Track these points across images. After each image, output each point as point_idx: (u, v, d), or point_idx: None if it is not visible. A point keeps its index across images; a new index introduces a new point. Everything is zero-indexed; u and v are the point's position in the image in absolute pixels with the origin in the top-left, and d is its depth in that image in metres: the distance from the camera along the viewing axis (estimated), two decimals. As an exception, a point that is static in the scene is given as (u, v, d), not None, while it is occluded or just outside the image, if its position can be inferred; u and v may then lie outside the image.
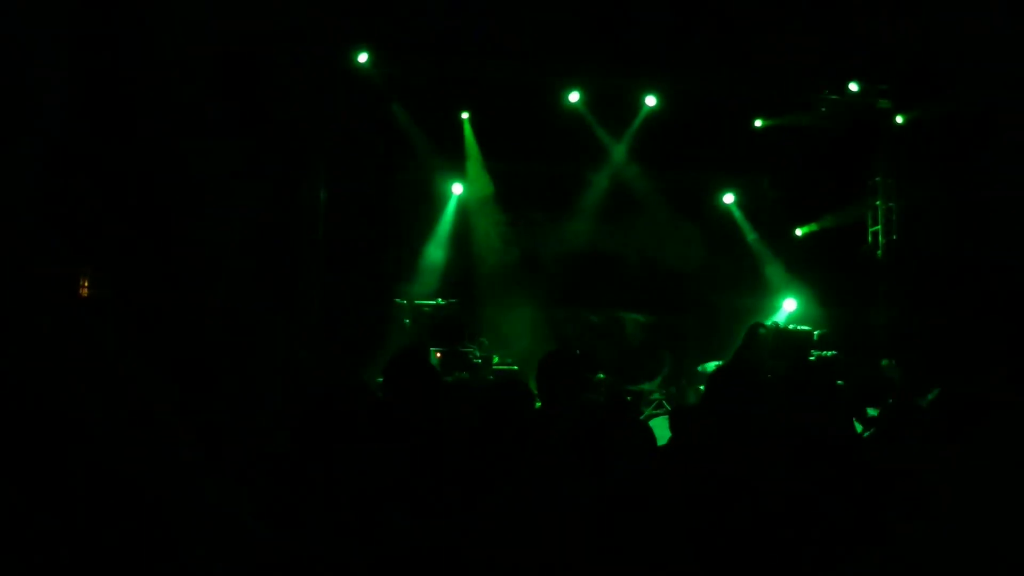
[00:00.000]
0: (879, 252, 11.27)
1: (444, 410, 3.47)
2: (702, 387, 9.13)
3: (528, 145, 11.02)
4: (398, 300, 10.73)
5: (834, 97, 11.06)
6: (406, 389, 3.54)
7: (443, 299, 10.83)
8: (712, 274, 11.93)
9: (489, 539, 2.48)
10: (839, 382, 8.67)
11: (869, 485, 2.82)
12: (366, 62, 10.13)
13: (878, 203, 11.30)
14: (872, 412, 8.56)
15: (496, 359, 10.38)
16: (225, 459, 2.83)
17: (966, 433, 3.14)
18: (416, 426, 3.23)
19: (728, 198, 12.31)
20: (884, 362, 9.11)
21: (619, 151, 11.59)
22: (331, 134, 10.26)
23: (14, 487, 2.09)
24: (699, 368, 9.73)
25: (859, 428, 5.38)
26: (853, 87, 10.72)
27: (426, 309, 10.55)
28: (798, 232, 12.14)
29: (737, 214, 12.32)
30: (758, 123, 11.45)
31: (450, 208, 11.69)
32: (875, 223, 11.35)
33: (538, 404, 3.97)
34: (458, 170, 11.60)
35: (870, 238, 11.45)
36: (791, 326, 10.58)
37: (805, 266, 11.67)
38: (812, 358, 9.91)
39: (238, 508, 2.28)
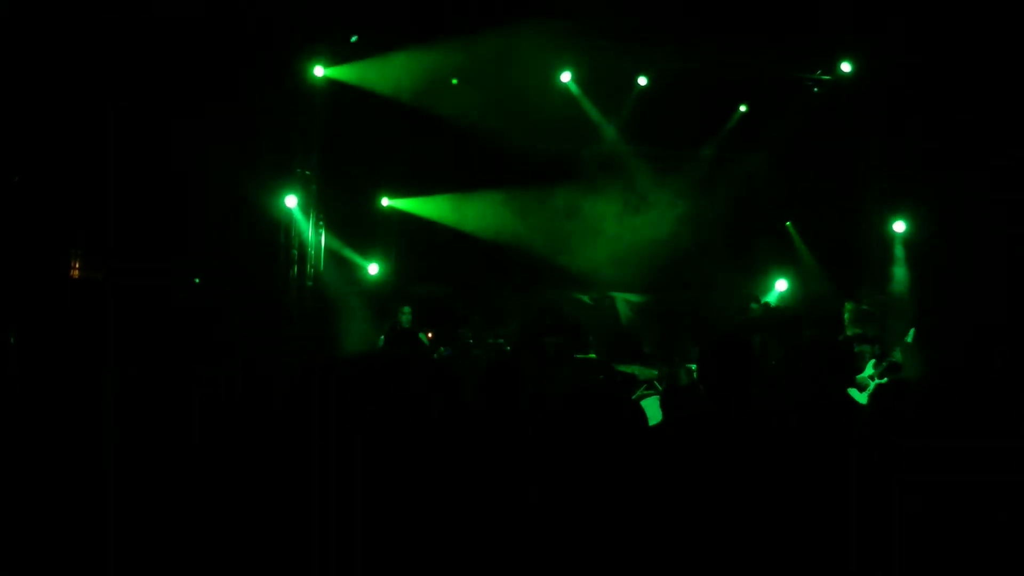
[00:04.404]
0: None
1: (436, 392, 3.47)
2: (694, 367, 9.15)
3: (520, 123, 10.99)
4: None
5: (827, 78, 11.05)
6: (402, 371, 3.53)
7: (436, 282, 10.88)
8: (704, 254, 11.94)
9: (483, 524, 2.49)
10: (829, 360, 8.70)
11: (867, 460, 2.84)
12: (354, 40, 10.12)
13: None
14: (859, 379, 8.69)
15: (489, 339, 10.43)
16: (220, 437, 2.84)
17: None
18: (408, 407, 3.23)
19: (723, 178, 12.30)
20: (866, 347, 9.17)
21: (611, 130, 11.57)
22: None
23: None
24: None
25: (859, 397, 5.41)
26: (846, 67, 10.69)
27: (419, 292, 10.57)
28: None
29: (729, 193, 12.30)
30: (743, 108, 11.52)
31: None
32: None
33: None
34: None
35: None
36: (783, 305, 10.62)
37: (796, 246, 11.70)
38: (803, 337, 9.96)
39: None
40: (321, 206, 10.69)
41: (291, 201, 10.06)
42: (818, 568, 2.62)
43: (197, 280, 9.66)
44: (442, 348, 9.91)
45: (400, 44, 10.23)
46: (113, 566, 2.48)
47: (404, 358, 3.69)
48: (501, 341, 10.48)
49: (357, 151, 10.89)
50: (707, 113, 11.55)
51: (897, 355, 8.73)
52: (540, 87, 10.93)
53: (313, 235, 10.59)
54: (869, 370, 8.78)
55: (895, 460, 2.80)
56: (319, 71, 10.19)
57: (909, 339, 8.73)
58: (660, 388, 9.62)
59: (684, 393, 4.68)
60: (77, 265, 9.14)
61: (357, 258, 11.13)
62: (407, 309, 9.54)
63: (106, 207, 8.75)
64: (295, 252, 10.35)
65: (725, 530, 2.60)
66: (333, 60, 10.26)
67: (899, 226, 10.85)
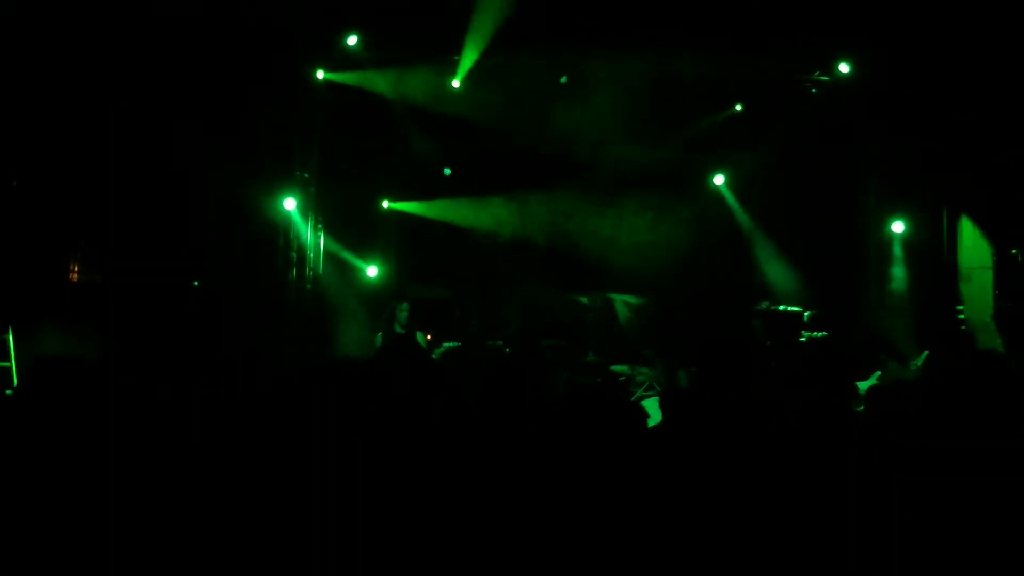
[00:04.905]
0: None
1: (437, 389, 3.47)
2: (693, 368, 9.14)
3: (520, 126, 10.99)
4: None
5: (825, 79, 11.04)
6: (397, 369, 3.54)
7: (435, 284, 10.90)
8: (703, 255, 11.93)
9: (480, 524, 2.49)
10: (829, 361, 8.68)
11: (865, 462, 2.83)
12: (355, 44, 10.11)
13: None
14: (862, 387, 8.64)
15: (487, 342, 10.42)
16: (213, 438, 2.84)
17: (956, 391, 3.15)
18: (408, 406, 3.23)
19: (719, 179, 12.28)
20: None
21: (610, 132, 11.54)
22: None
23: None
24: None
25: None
26: (844, 68, 10.68)
27: (418, 294, 10.58)
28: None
29: (728, 195, 12.29)
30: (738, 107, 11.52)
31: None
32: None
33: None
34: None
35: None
36: (781, 307, 10.61)
37: (795, 245, 11.66)
38: (803, 339, 9.95)
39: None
40: (320, 208, 10.72)
41: (290, 204, 10.08)
42: (818, 568, 2.62)
43: (196, 283, 9.67)
44: (446, 344, 9.92)
45: (403, 53, 10.29)
46: (113, 568, 2.48)
47: (403, 362, 3.69)
48: (500, 343, 10.49)
49: (356, 153, 10.91)
50: (705, 115, 11.55)
51: (916, 363, 8.68)
52: (540, 89, 10.93)
53: (312, 237, 10.61)
54: (872, 380, 8.75)
55: (895, 460, 2.80)
56: (320, 75, 10.23)
57: (919, 362, 8.66)
58: (659, 389, 9.63)
59: (683, 394, 4.68)
60: (76, 268, 9.16)
61: (356, 261, 11.15)
62: (405, 306, 9.54)
63: (106, 210, 8.76)
64: (294, 255, 10.36)
65: (725, 531, 2.60)
66: (334, 65, 10.29)
67: (898, 226, 10.87)
